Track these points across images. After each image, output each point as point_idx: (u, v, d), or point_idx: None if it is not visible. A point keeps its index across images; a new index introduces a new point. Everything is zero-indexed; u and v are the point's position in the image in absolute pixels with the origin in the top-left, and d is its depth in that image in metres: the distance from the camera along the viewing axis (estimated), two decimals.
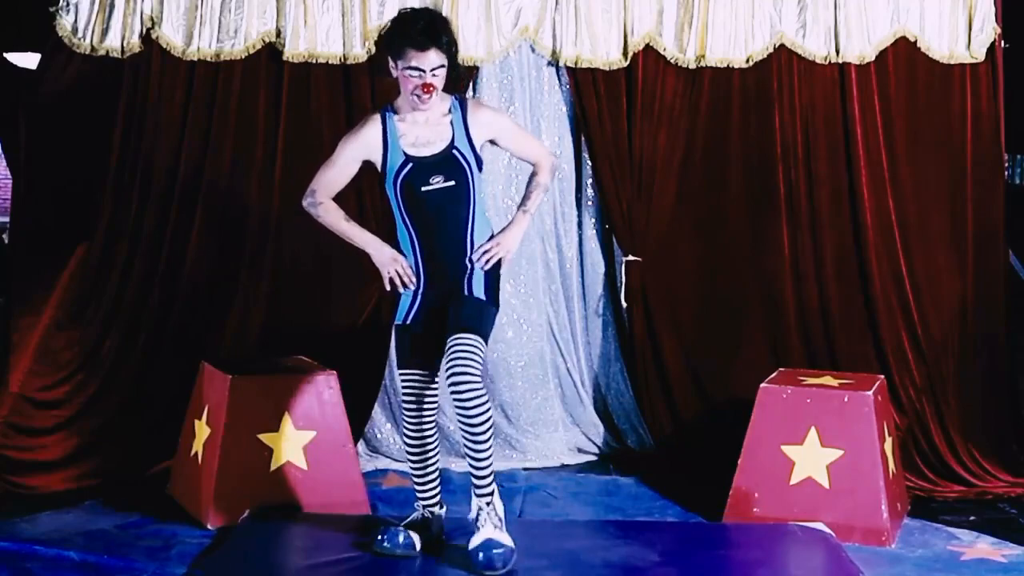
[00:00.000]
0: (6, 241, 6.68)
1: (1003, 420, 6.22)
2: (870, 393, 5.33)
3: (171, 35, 5.92)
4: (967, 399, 6.20)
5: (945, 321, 6.21)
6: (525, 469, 6.22)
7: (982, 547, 5.19)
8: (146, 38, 5.91)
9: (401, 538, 4.70)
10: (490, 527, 4.62)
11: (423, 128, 4.63)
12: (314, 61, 5.99)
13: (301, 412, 5.41)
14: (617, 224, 6.25)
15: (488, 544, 4.57)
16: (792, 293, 6.23)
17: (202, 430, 5.44)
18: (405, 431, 4.77)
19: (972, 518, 5.56)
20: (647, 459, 6.37)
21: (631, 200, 6.18)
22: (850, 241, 6.21)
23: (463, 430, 4.55)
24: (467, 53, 5.99)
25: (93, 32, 5.89)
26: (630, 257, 6.21)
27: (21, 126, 5.89)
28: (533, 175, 4.83)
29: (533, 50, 6.21)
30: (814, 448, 5.30)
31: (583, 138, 6.29)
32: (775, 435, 5.36)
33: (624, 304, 6.30)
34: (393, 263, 4.71)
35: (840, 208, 6.21)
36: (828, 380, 5.54)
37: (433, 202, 4.64)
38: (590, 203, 6.46)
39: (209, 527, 5.21)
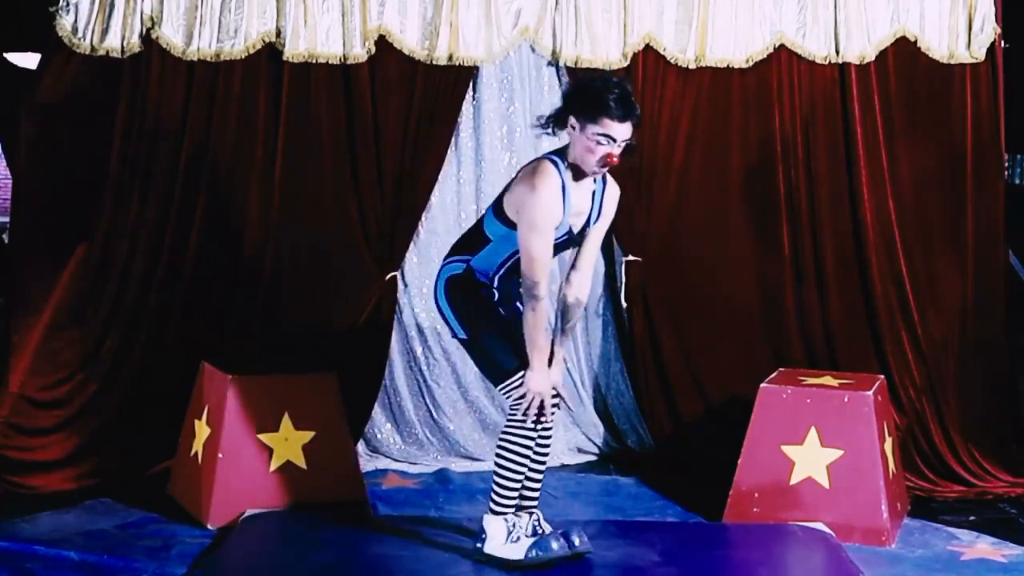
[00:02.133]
0: (6, 241, 6.68)
1: (1003, 420, 6.22)
2: (870, 393, 5.33)
3: (171, 35, 5.91)
4: (967, 399, 6.20)
5: (945, 321, 6.22)
6: None
7: (982, 547, 5.19)
8: (146, 38, 5.90)
9: (555, 544, 4.61)
10: (547, 529, 4.74)
11: (581, 196, 4.59)
12: (314, 61, 5.98)
13: (301, 412, 5.41)
14: (617, 224, 6.21)
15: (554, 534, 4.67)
16: (792, 293, 6.24)
17: (202, 430, 5.44)
18: (528, 436, 4.65)
19: (972, 518, 5.56)
20: (647, 459, 6.37)
21: (631, 200, 6.17)
22: (850, 241, 6.21)
23: (541, 458, 4.72)
24: (467, 53, 6.01)
25: (93, 32, 5.88)
26: (630, 257, 6.22)
27: (21, 126, 5.88)
28: (578, 303, 4.69)
29: (533, 50, 6.21)
30: (814, 448, 5.30)
31: None
32: (775, 435, 5.36)
33: (624, 304, 6.30)
34: (541, 395, 4.53)
35: (840, 208, 6.21)
36: (828, 380, 5.55)
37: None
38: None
39: (209, 527, 5.21)
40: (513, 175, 6.24)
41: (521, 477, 4.67)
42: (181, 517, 5.34)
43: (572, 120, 4.47)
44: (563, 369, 4.80)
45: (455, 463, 6.27)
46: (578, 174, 4.53)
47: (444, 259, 4.73)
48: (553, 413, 4.64)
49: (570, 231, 4.59)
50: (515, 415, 4.59)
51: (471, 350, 4.73)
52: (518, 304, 4.66)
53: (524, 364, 4.54)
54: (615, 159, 4.44)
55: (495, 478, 4.67)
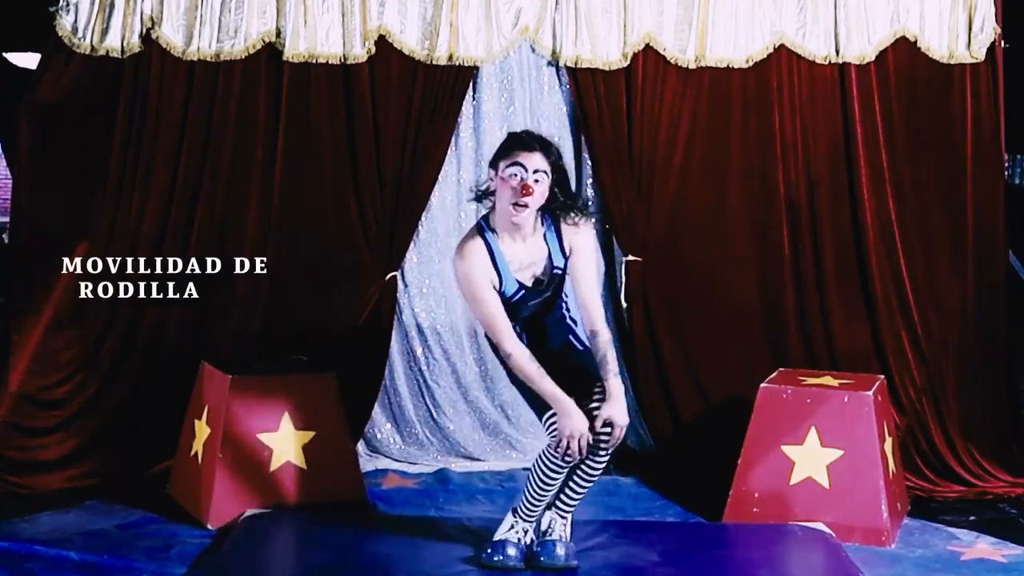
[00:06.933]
0: (6, 241, 6.68)
1: (1003, 420, 6.22)
2: (870, 393, 5.33)
3: (171, 35, 5.92)
4: (967, 399, 6.20)
5: (945, 321, 6.22)
6: (525, 469, 6.18)
7: (982, 547, 5.19)
8: (146, 38, 5.91)
9: (513, 551, 4.66)
10: (557, 534, 4.74)
11: (522, 248, 4.56)
12: (314, 61, 5.98)
13: (301, 412, 5.42)
14: (617, 224, 6.24)
15: (551, 542, 4.68)
16: (792, 293, 6.23)
17: (202, 430, 5.44)
18: (559, 469, 4.61)
19: (972, 518, 5.57)
20: (647, 459, 6.37)
21: (631, 200, 6.18)
22: (850, 241, 6.21)
23: (587, 472, 4.61)
24: (467, 53, 6.01)
25: (93, 32, 5.88)
26: (630, 257, 6.21)
27: (21, 126, 5.88)
28: (595, 335, 4.53)
29: (533, 50, 6.21)
30: (814, 448, 5.30)
31: (583, 138, 6.29)
32: (775, 435, 5.36)
33: (624, 304, 6.30)
34: (578, 434, 4.41)
35: (840, 208, 6.21)
36: (828, 380, 5.55)
37: (533, 311, 4.64)
38: (590, 203, 6.45)
39: (209, 527, 5.22)
40: None
41: (546, 500, 4.68)
42: (181, 517, 5.35)
43: (491, 173, 4.53)
44: (622, 407, 4.46)
45: (455, 463, 6.27)
46: (511, 228, 4.51)
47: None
48: (606, 449, 4.50)
49: (522, 286, 4.56)
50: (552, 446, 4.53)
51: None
52: (552, 344, 4.67)
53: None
54: (530, 190, 4.41)
55: (524, 488, 4.70)
